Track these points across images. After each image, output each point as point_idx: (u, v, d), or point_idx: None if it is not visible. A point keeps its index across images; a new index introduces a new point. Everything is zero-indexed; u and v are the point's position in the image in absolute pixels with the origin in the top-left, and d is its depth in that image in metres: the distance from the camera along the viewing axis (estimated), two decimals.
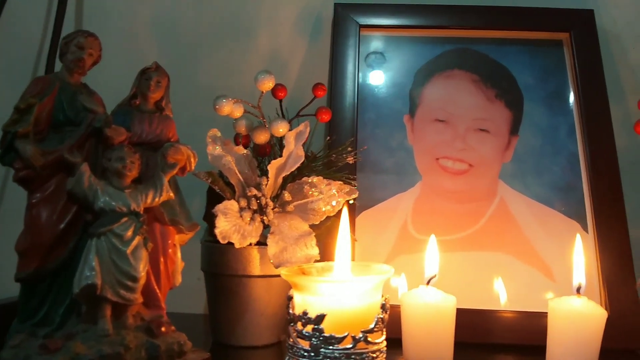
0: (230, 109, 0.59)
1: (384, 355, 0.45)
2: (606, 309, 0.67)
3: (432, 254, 0.59)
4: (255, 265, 0.59)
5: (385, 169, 0.75)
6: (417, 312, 0.56)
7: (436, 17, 0.80)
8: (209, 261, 0.62)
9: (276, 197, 0.61)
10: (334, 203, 0.60)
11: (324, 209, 0.60)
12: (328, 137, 0.65)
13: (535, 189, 0.73)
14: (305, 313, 0.43)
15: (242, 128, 0.62)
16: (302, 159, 0.59)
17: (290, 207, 0.59)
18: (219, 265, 0.60)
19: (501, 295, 0.70)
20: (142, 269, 0.46)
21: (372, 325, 0.44)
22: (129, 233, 0.46)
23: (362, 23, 0.80)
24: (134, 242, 0.46)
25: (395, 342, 0.56)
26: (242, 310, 0.60)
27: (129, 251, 0.46)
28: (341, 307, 0.43)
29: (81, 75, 0.51)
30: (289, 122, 0.63)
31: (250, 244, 0.57)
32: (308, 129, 0.59)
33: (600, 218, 0.70)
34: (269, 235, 0.58)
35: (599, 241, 0.69)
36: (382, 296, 0.46)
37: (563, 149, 0.75)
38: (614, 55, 0.83)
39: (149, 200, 0.48)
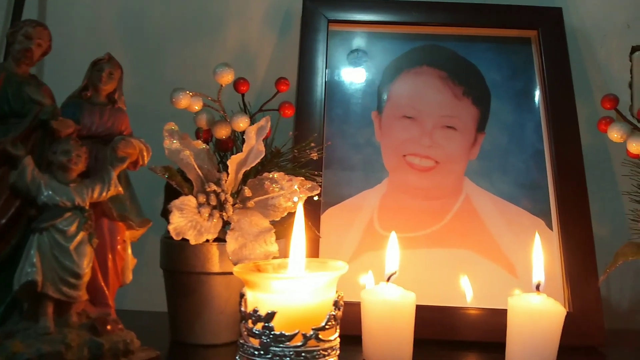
0: (188, 102, 0.58)
1: (337, 353, 0.45)
2: (569, 307, 0.67)
3: (393, 251, 0.58)
4: (215, 262, 0.58)
5: (352, 165, 0.75)
6: (376, 309, 0.55)
7: (405, 14, 0.80)
8: (168, 258, 0.61)
9: (237, 193, 0.60)
10: (295, 199, 0.59)
11: (285, 205, 0.59)
12: (291, 133, 0.64)
13: (500, 186, 0.73)
14: (255, 310, 0.43)
15: (202, 122, 0.61)
16: (263, 154, 0.58)
17: (250, 203, 0.59)
18: (177, 262, 0.59)
19: (467, 292, 0.70)
20: (85, 265, 0.45)
21: (323, 323, 0.43)
22: (73, 228, 0.45)
23: (331, 18, 0.79)
24: (78, 238, 0.45)
25: (358, 339, 0.56)
26: (201, 308, 0.59)
27: (72, 247, 0.45)
28: (293, 304, 0.43)
29: (29, 66, 0.49)
30: (252, 116, 0.62)
31: (208, 241, 0.56)
32: (269, 124, 0.58)
33: (564, 216, 0.70)
34: (228, 231, 0.57)
35: (563, 239, 0.70)
36: (337, 293, 0.45)
37: (529, 147, 0.75)
38: (582, 53, 0.84)
39: (95, 195, 0.47)
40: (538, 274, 0.56)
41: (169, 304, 0.62)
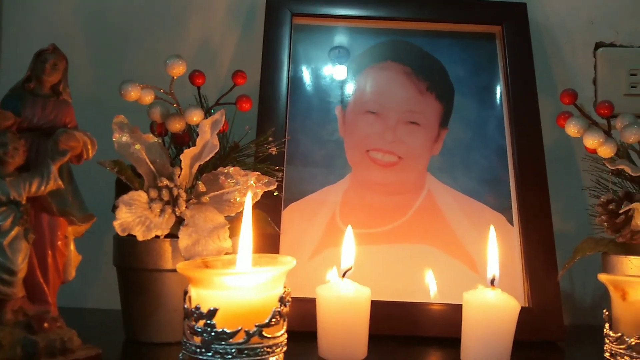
0: (138, 94, 0.57)
1: (283, 350, 0.44)
2: (529, 302, 0.67)
3: (349, 246, 0.58)
4: (167, 258, 0.57)
5: (315, 160, 0.74)
6: (331, 305, 0.54)
7: (370, 8, 0.79)
8: (120, 255, 0.60)
9: (191, 188, 0.58)
10: (251, 194, 0.58)
11: (240, 200, 0.58)
12: (248, 127, 0.63)
13: (463, 182, 0.73)
14: (197, 308, 0.42)
15: (156, 115, 0.59)
16: (217, 148, 0.57)
17: (205, 198, 0.57)
18: (129, 259, 0.58)
19: (431, 288, 0.70)
20: (20, 261, 0.44)
21: (267, 319, 0.42)
22: (7, 223, 0.43)
23: (295, 11, 0.78)
24: (13, 233, 0.43)
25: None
26: (154, 306, 0.58)
27: (5, 243, 0.43)
28: (236, 300, 0.42)
29: None
30: (208, 110, 0.61)
31: (158, 237, 0.55)
32: (224, 118, 0.57)
33: (525, 211, 0.70)
34: (181, 227, 0.56)
35: (523, 234, 0.70)
36: (284, 289, 0.44)
37: (492, 143, 0.75)
38: (547, 49, 0.84)
39: (33, 189, 0.45)
40: (493, 269, 0.56)
41: (123, 301, 0.61)
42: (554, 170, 0.78)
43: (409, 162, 0.74)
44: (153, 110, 0.59)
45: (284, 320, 0.44)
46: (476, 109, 0.77)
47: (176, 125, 0.58)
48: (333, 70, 0.78)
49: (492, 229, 0.58)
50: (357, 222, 0.71)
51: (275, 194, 0.66)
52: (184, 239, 0.55)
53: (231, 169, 0.58)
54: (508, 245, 0.70)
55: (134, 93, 0.56)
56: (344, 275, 0.56)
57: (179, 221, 0.57)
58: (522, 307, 0.67)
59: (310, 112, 0.76)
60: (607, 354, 0.46)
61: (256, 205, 0.67)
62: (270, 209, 0.68)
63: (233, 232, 0.64)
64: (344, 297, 0.54)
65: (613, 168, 0.59)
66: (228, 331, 0.41)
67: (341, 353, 0.54)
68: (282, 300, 0.43)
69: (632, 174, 0.58)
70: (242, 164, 0.65)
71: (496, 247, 0.57)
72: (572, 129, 0.60)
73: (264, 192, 0.65)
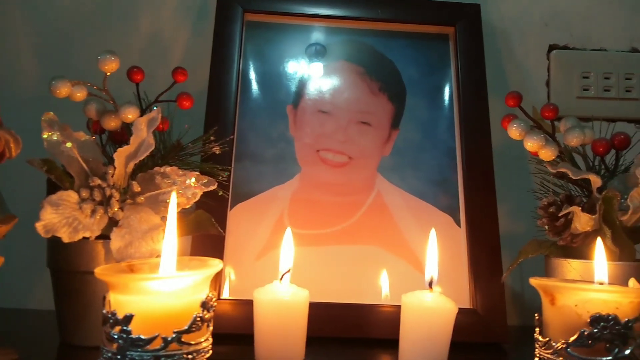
0: (68, 90, 0.55)
1: (206, 356, 0.43)
2: (475, 304, 0.67)
3: (287, 248, 0.56)
4: (100, 260, 0.55)
5: (264, 160, 0.73)
6: (267, 308, 0.53)
7: (324, 7, 0.78)
8: (52, 256, 0.58)
9: (127, 188, 0.57)
10: (189, 194, 0.57)
11: (177, 201, 0.56)
12: (187, 125, 0.62)
13: (412, 183, 0.73)
14: (113, 313, 0.40)
15: (92, 112, 0.58)
16: (152, 147, 0.55)
17: (140, 199, 0.56)
18: (62, 261, 0.56)
19: (383, 288, 0.70)
20: None
21: (187, 325, 0.41)
22: None
23: (247, 8, 0.77)
24: None
25: None
26: (86, 309, 0.56)
27: None
28: (154, 306, 0.41)
29: None
30: (147, 108, 0.59)
31: (88, 238, 0.53)
32: (160, 115, 0.56)
33: (471, 213, 0.70)
34: (115, 228, 0.54)
35: (470, 236, 0.70)
36: (208, 293, 0.43)
37: (442, 144, 0.75)
38: (501, 51, 0.84)
39: None
40: (431, 271, 0.56)
41: (56, 304, 0.59)
42: (504, 171, 0.78)
43: (359, 163, 0.73)
44: (88, 107, 0.58)
45: (208, 326, 0.43)
46: (428, 110, 0.76)
47: (111, 123, 0.57)
48: (285, 69, 0.77)
49: (432, 231, 0.57)
50: (306, 222, 0.71)
51: (220, 193, 0.64)
52: (117, 240, 0.53)
53: (167, 168, 0.56)
54: (455, 246, 0.70)
55: (64, 89, 0.54)
56: (281, 277, 0.55)
57: (115, 222, 0.55)
58: (467, 309, 0.67)
59: (260, 111, 0.75)
60: (536, 359, 0.46)
61: (200, 206, 0.66)
62: (215, 210, 0.67)
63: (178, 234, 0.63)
64: (280, 300, 0.53)
65: (554, 171, 0.59)
66: (144, 337, 0.40)
67: (277, 356, 0.53)
68: (204, 305, 0.42)
69: (573, 177, 0.58)
70: (185, 163, 0.64)
71: (436, 249, 0.57)
72: (514, 131, 0.60)
73: (210, 192, 0.64)
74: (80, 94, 0.56)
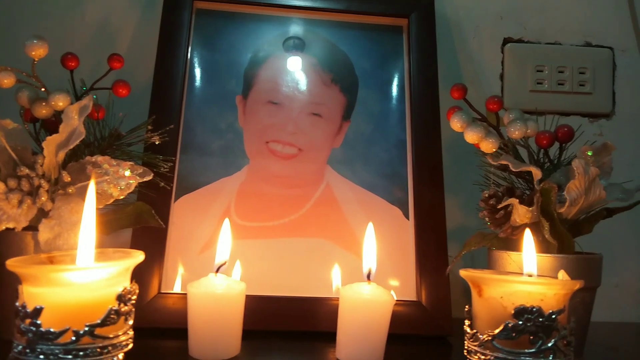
0: None
1: (124, 350, 0.41)
2: (422, 297, 0.67)
3: (225, 240, 0.55)
4: (29, 252, 0.53)
5: (212, 151, 0.71)
6: (200, 302, 0.52)
7: None
8: None
9: (58, 178, 0.55)
10: (123, 185, 0.55)
11: (110, 192, 0.55)
12: (121, 114, 0.60)
13: (362, 175, 0.72)
14: (23, 306, 0.39)
15: (23, 100, 0.56)
16: (83, 136, 0.53)
17: (71, 189, 0.54)
18: None
19: (334, 281, 0.69)
20: None
21: (100, 319, 0.40)
22: None
23: None
24: None
25: None
26: (14, 302, 0.54)
27: None
28: (68, 298, 0.39)
29: None
30: (81, 95, 0.58)
31: (13, 229, 0.51)
32: (91, 103, 0.54)
33: (419, 206, 0.70)
34: (44, 219, 0.53)
35: (417, 228, 0.69)
36: (125, 286, 0.42)
37: (393, 136, 0.74)
38: (455, 44, 0.84)
39: None
40: (369, 263, 0.55)
41: None
42: (457, 164, 0.78)
43: (309, 155, 0.72)
44: (20, 94, 0.56)
45: (126, 320, 0.42)
46: (379, 102, 0.76)
47: (42, 111, 0.55)
48: (235, 58, 0.75)
49: (370, 225, 0.57)
50: (253, 215, 0.70)
51: (162, 185, 0.63)
52: (45, 231, 0.52)
53: (99, 158, 0.55)
54: (403, 239, 0.70)
55: None
56: (217, 270, 0.54)
57: (45, 213, 0.54)
58: (412, 302, 0.67)
59: (209, 101, 0.73)
60: (465, 352, 0.46)
61: (142, 197, 0.65)
62: (158, 201, 0.65)
63: (112, 227, 0.61)
64: (212, 294, 0.52)
65: (495, 163, 0.59)
66: (54, 331, 0.38)
67: (211, 351, 0.52)
68: (121, 298, 0.41)
69: (514, 169, 0.58)
70: (126, 153, 0.62)
71: (374, 242, 0.56)
72: (456, 123, 0.60)
73: (153, 183, 0.63)
74: (7, 81, 0.54)
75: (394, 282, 0.68)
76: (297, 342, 0.61)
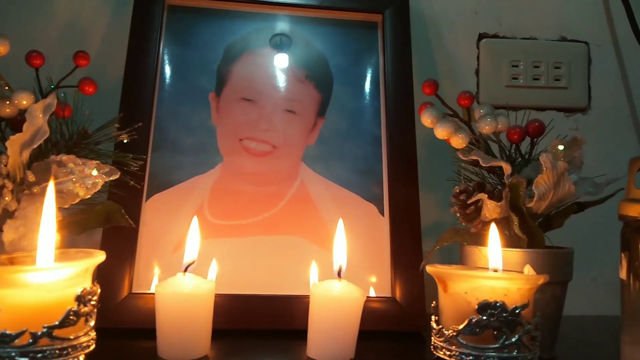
0: None
1: (85, 351, 0.41)
2: (396, 293, 0.67)
3: (193, 239, 0.55)
4: None
5: (184, 149, 0.71)
6: (167, 302, 0.52)
7: None
8: None
9: (24, 178, 0.54)
10: (89, 184, 0.54)
11: (76, 191, 0.54)
12: (87, 112, 0.59)
13: (336, 172, 0.72)
14: None
15: None
16: (47, 135, 0.53)
17: (36, 189, 0.53)
18: None
19: (311, 279, 0.68)
20: None
21: (59, 320, 0.39)
22: None
23: None
24: None
25: None
26: None
27: None
28: (25, 300, 0.39)
29: None
30: (48, 93, 0.57)
31: None
32: (56, 101, 0.53)
33: (394, 202, 0.70)
34: (8, 220, 0.52)
35: (392, 225, 0.69)
36: (84, 287, 0.41)
37: (368, 133, 0.74)
38: (431, 40, 0.84)
39: None
40: (339, 260, 0.55)
41: None
42: (434, 160, 0.78)
43: (283, 152, 0.72)
44: None
45: (87, 321, 0.41)
46: (354, 98, 0.75)
47: (6, 110, 0.54)
48: (208, 55, 0.74)
49: (340, 221, 0.56)
50: (227, 213, 0.69)
51: (131, 183, 0.62)
52: (10, 232, 0.51)
53: (64, 157, 0.54)
54: (378, 236, 0.70)
55: None
56: (185, 270, 0.54)
57: (10, 214, 0.53)
58: (387, 298, 0.67)
59: (181, 98, 0.72)
60: (431, 347, 0.46)
61: (112, 197, 0.64)
62: (128, 201, 0.64)
63: (82, 227, 0.60)
64: (180, 293, 0.51)
65: (465, 159, 0.59)
66: (9, 333, 0.37)
67: (180, 351, 0.52)
68: (80, 299, 0.40)
69: (484, 165, 0.58)
70: (95, 152, 0.61)
71: (344, 238, 0.56)
72: (426, 119, 0.60)
73: (123, 182, 0.62)
74: None
75: (369, 279, 0.68)
76: (271, 340, 0.61)
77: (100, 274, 0.63)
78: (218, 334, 0.59)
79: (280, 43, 0.75)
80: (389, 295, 0.67)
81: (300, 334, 0.61)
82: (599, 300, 0.84)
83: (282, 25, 0.77)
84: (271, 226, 0.69)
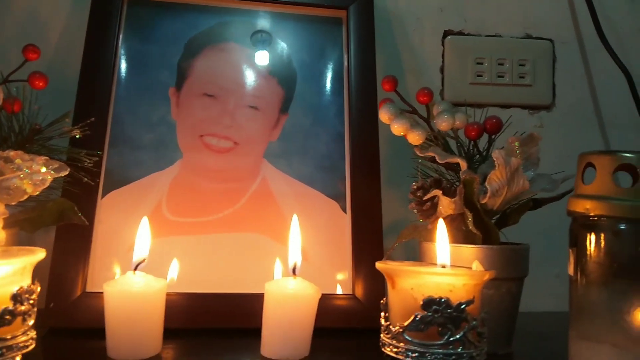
0: None
1: (22, 351, 0.40)
2: (357, 290, 0.67)
3: (143, 237, 0.54)
4: None
5: (142, 145, 0.69)
6: (116, 301, 0.51)
7: None
8: None
9: None
10: (38, 181, 0.53)
11: (23, 187, 0.53)
12: (37, 107, 0.58)
13: (299, 169, 0.71)
14: None
15: None
16: None
17: None
18: None
19: (275, 276, 0.68)
20: None
21: None
22: None
23: None
24: None
25: None
26: None
27: None
28: None
29: None
30: None
31: None
32: (2, 96, 0.52)
33: (356, 199, 0.69)
34: None
35: (354, 222, 0.69)
36: (25, 285, 0.40)
37: (331, 129, 0.73)
38: (396, 37, 0.84)
39: None
40: (294, 257, 0.55)
41: None
42: (398, 157, 0.78)
43: (245, 148, 0.71)
44: None
45: (24, 320, 0.40)
46: (318, 95, 0.75)
47: None
48: (168, 50, 0.73)
49: (294, 217, 0.56)
50: (186, 210, 0.68)
51: (85, 180, 0.61)
52: None
53: (11, 152, 0.52)
54: (340, 233, 0.69)
55: None
56: (135, 268, 0.53)
57: None
58: (347, 295, 0.67)
59: (140, 93, 0.71)
60: (380, 344, 0.46)
61: (65, 194, 0.63)
62: (83, 198, 0.63)
63: (35, 225, 0.59)
64: (129, 292, 0.50)
65: (422, 155, 0.59)
66: None
67: (129, 351, 0.51)
68: (16, 297, 0.39)
69: (440, 161, 0.58)
70: (47, 148, 0.60)
71: (299, 235, 0.55)
72: (384, 115, 0.59)
73: (77, 179, 0.61)
74: None
75: (330, 276, 0.68)
76: (228, 339, 0.60)
77: (54, 273, 0.61)
78: (176, 333, 0.59)
79: (261, 40, 0.75)
80: (350, 292, 0.67)
81: (259, 333, 0.60)
82: (563, 296, 0.85)
83: (245, 20, 0.76)
84: (232, 223, 0.68)
